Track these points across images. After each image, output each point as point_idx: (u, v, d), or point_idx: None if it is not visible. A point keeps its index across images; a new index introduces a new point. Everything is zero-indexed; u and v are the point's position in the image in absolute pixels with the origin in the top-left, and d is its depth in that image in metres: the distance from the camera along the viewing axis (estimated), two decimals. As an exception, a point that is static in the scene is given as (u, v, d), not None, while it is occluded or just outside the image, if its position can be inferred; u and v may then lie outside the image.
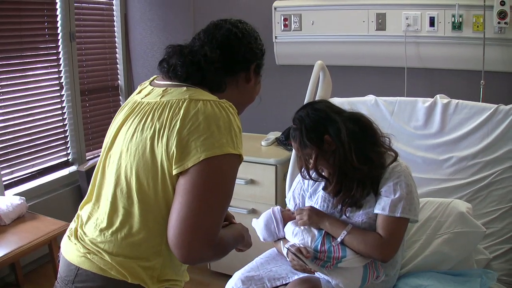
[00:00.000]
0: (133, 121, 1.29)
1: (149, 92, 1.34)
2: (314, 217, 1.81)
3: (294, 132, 1.78)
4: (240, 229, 1.50)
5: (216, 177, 1.18)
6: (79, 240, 1.29)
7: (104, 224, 1.25)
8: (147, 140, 1.23)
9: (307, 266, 1.72)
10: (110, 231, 1.24)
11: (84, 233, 1.29)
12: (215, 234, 1.19)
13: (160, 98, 1.28)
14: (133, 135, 1.26)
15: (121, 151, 1.28)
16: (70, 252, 1.29)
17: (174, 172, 1.18)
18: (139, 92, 1.39)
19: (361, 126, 1.77)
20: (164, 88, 1.31)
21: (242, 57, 1.38)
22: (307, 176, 1.85)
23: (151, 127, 1.23)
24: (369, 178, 1.73)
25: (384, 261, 1.75)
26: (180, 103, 1.23)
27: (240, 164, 1.25)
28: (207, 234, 1.17)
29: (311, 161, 1.75)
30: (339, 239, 1.73)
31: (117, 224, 1.24)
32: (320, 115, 1.76)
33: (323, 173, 1.80)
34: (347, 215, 1.77)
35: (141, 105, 1.31)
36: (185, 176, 1.17)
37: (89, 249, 1.25)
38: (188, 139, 1.18)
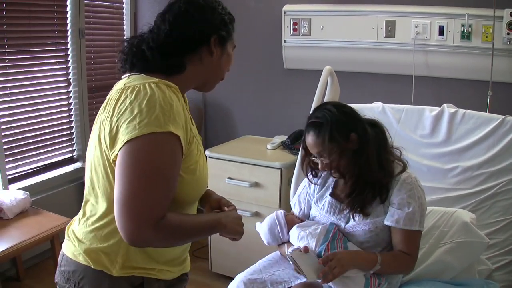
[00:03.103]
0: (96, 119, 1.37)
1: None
2: (345, 262, 1.63)
3: (317, 127, 1.70)
4: (219, 216, 1.40)
5: (139, 157, 1.16)
6: (69, 229, 1.40)
7: (81, 215, 1.36)
8: (96, 133, 1.30)
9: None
10: (83, 220, 1.34)
11: (73, 223, 1.41)
12: (154, 215, 1.15)
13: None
14: (92, 131, 1.36)
15: (88, 148, 1.37)
16: (64, 240, 1.42)
17: (111, 159, 1.22)
18: None
19: (377, 131, 1.78)
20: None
21: (196, 32, 1.33)
22: (314, 180, 1.84)
23: (99, 121, 1.31)
24: (379, 184, 1.74)
25: (408, 274, 1.81)
26: (117, 93, 1.27)
27: (177, 141, 1.21)
28: (142, 215, 1.14)
29: (333, 157, 1.69)
30: (371, 271, 1.70)
31: (88, 213, 1.33)
32: (349, 111, 1.76)
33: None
34: (355, 219, 1.77)
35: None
36: (116, 161, 1.19)
37: (69, 236, 1.37)
38: (117, 125, 1.21)
